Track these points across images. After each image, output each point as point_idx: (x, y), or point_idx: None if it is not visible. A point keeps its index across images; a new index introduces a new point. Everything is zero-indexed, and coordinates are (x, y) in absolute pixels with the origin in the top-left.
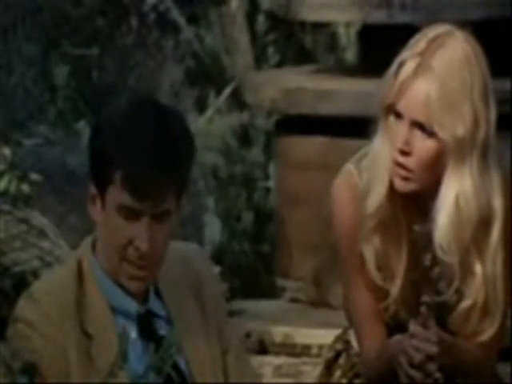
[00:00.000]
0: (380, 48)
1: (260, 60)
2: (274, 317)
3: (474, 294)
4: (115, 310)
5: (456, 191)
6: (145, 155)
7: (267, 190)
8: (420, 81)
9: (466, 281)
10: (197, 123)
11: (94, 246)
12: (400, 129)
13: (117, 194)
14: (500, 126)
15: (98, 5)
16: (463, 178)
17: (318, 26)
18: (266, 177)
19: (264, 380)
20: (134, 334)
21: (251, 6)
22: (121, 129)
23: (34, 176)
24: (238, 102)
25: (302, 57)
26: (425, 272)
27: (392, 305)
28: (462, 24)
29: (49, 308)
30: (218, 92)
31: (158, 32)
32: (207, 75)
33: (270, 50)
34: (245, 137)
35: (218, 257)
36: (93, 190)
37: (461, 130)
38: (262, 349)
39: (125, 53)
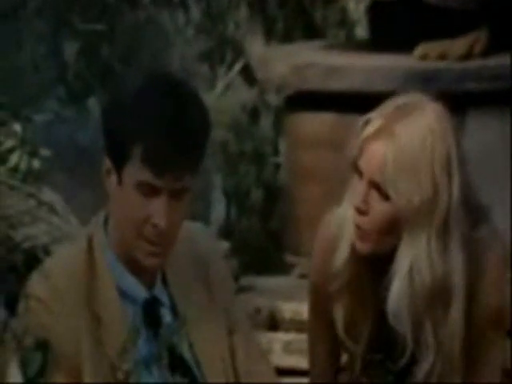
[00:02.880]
0: (390, 23)
1: (270, 35)
2: (284, 293)
3: (428, 366)
4: (123, 294)
5: (410, 260)
6: (165, 131)
7: (277, 166)
8: (379, 142)
9: (421, 351)
10: (206, 99)
11: (105, 222)
12: (360, 187)
13: (136, 171)
14: (500, 101)
15: None
16: (418, 247)
17: (328, 1)
18: (276, 153)
19: (274, 356)
20: (139, 320)
21: None
22: (139, 104)
23: (45, 151)
24: (247, 78)
25: (312, 32)
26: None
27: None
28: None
29: (60, 285)
30: (228, 68)
31: (168, 8)
32: (217, 51)
33: (280, 25)
34: (254, 113)
35: (227, 233)
36: (108, 163)
37: (417, 198)
38: (272, 325)
39: (135, 29)
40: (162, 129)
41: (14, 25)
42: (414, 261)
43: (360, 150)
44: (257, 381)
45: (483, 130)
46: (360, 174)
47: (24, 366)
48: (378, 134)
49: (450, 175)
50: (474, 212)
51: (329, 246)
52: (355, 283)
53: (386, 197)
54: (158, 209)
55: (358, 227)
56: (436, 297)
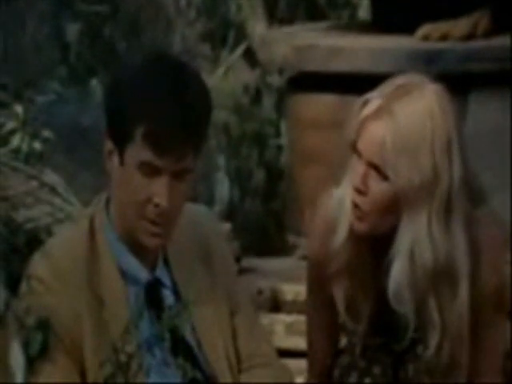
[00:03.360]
0: (392, 4)
1: (272, 17)
2: (286, 274)
3: (435, 345)
4: (125, 275)
5: (411, 240)
6: (167, 112)
7: (279, 147)
8: (378, 122)
9: (428, 331)
10: (208, 81)
11: (107, 203)
12: (359, 168)
13: (138, 151)
14: (502, 82)
15: None
16: (419, 227)
17: None
18: (278, 134)
19: (275, 337)
20: (141, 301)
21: None
22: (140, 85)
23: (46, 133)
24: (249, 59)
25: (315, 14)
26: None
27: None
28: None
29: (61, 266)
30: (230, 50)
31: None
32: (219, 33)
33: (282, 7)
34: (256, 94)
35: (229, 215)
36: (109, 145)
37: (416, 178)
38: (274, 306)
39: (137, 10)
40: (163, 110)
41: (17, 6)
42: (414, 241)
43: (359, 131)
44: (259, 362)
45: (485, 111)
46: (359, 154)
47: (26, 345)
48: (376, 113)
49: (450, 156)
50: (473, 193)
51: (327, 226)
52: (354, 264)
53: (384, 177)
54: (159, 189)
55: (356, 207)
56: (440, 276)
